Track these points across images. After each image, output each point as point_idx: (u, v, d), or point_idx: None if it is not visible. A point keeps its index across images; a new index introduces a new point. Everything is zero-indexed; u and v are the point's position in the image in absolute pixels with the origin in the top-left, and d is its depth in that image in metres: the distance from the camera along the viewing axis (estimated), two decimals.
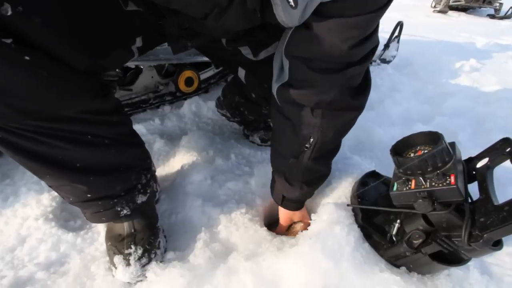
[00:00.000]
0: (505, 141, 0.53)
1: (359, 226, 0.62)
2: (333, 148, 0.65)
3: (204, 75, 1.34)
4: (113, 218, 0.61)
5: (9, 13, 0.35)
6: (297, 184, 0.64)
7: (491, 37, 3.17)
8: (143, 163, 0.65)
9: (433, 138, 0.55)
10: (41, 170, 0.50)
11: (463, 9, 5.75)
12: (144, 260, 0.60)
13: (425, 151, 0.54)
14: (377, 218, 0.63)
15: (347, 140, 1.06)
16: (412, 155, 0.56)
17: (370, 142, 1.06)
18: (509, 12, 5.30)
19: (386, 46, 2.02)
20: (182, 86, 1.25)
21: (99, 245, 0.65)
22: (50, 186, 0.55)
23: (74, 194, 0.55)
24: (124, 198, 0.59)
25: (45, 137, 0.45)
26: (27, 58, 0.37)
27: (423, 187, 0.50)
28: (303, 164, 0.61)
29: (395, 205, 0.55)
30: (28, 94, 0.41)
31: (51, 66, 0.40)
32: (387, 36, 2.06)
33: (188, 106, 1.17)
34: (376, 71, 1.75)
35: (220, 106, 1.05)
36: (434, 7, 5.98)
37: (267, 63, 0.64)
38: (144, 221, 0.64)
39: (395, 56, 2.04)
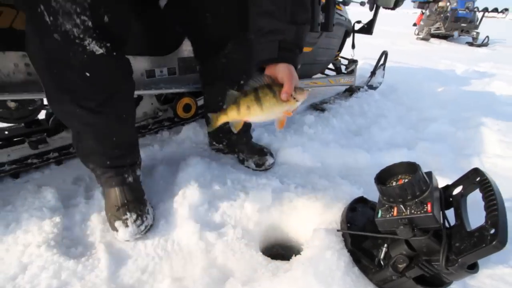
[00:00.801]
0: (475, 171, 0.59)
1: (348, 251, 0.66)
2: None
3: (201, 101, 1.40)
4: (121, 183, 0.79)
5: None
6: (288, 24, 0.63)
7: (470, 64, 3.38)
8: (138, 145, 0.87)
9: (412, 168, 0.61)
10: (92, 137, 0.71)
11: (444, 37, 6.12)
12: (138, 222, 0.75)
13: (405, 180, 0.60)
14: (365, 242, 0.67)
15: (336, 165, 1.12)
16: (394, 183, 0.62)
17: (357, 168, 1.11)
18: (485, 41, 5.67)
19: (373, 73, 2.16)
20: (180, 112, 1.30)
21: (99, 272, 0.66)
22: (83, 152, 0.77)
23: (100, 161, 0.76)
24: (130, 168, 0.81)
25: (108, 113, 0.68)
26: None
27: (404, 214, 0.55)
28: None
29: (381, 231, 0.60)
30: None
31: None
32: (374, 63, 2.20)
33: (186, 132, 1.22)
34: (364, 97, 1.84)
35: (210, 143, 1.14)
36: (417, 34, 6.36)
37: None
38: (135, 193, 0.81)
39: (381, 83, 2.17)
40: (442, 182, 0.98)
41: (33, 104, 0.95)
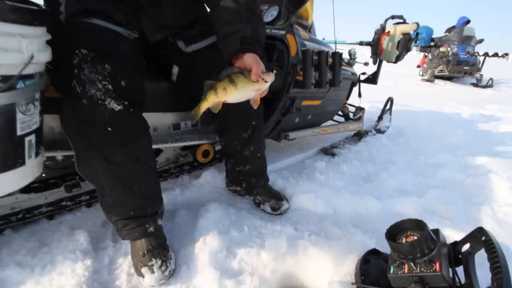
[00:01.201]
0: (480, 231, 0.63)
1: None
2: None
3: (219, 147, 1.50)
4: (142, 234, 0.83)
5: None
6: (245, 24, 0.77)
7: (476, 107, 3.46)
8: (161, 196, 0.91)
9: (419, 225, 0.66)
10: (116, 188, 0.77)
11: (448, 78, 6.31)
12: (163, 268, 0.80)
13: (415, 237, 0.64)
14: None
15: (348, 213, 1.16)
16: (403, 240, 0.66)
17: (369, 215, 1.15)
18: (489, 82, 5.81)
19: (380, 118, 2.25)
20: (199, 157, 1.40)
21: None
22: (107, 206, 0.81)
23: (123, 212, 0.80)
24: (151, 218, 0.84)
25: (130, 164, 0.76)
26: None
27: (414, 271, 0.59)
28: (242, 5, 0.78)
29: (393, 286, 0.63)
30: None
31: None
32: (380, 106, 2.31)
33: (205, 177, 1.30)
34: (372, 142, 1.92)
35: (227, 184, 1.22)
36: (422, 75, 6.58)
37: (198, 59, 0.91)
38: (158, 240, 0.86)
39: (388, 127, 2.25)
40: (454, 233, 1.01)
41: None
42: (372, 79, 1.92)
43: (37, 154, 0.66)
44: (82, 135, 0.70)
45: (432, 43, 6.32)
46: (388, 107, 2.31)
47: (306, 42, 1.28)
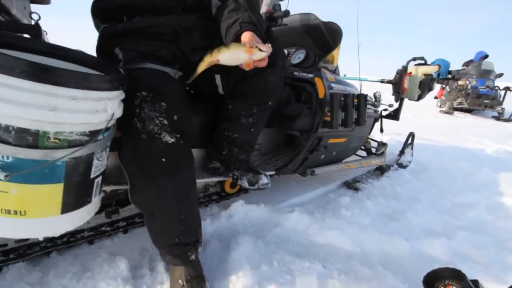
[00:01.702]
0: None
1: None
2: None
3: None
4: (184, 262, 0.88)
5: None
6: (243, 12, 0.86)
7: (499, 143, 3.37)
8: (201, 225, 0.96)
9: (458, 275, 0.66)
10: (165, 215, 0.83)
11: (468, 110, 6.21)
12: None
13: (453, 286, 0.64)
14: None
15: (376, 252, 1.15)
16: None
17: (397, 256, 1.13)
18: None
19: (402, 152, 2.26)
20: (227, 188, 1.46)
21: None
22: (154, 232, 0.87)
23: (169, 238, 0.85)
24: (193, 247, 0.89)
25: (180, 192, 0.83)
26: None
27: None
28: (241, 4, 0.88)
29: None
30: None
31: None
32: (400, 138, 2.32)
33: (234, 208, 1.34)
34: (395, 177, 1.91)
35: (209, 157, 1.19)
36: (440, 106, 6.51)
37: None
38: (197, 270, 0.90)
39: (410, 161, 2.24)
40: (489, 281, 0.98)
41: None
42: (394, 115, 1.96)
43: (99, 192, 0.73)
44: (139, 166, 0.78)
45: (450, 76, 6.32)
46: (409, 141, 2.32)
47: (333, 85, 1.36)
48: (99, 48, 0.97)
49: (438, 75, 1.80)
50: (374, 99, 1.68)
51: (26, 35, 0.72)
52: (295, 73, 1.38)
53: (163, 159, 0.77)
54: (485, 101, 5.66)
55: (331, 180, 1.77)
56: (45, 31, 0.73)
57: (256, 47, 0.75)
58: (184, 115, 0.83)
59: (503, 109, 5.74)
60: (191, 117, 0.90)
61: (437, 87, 7.24)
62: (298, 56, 1.56)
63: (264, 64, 0.80)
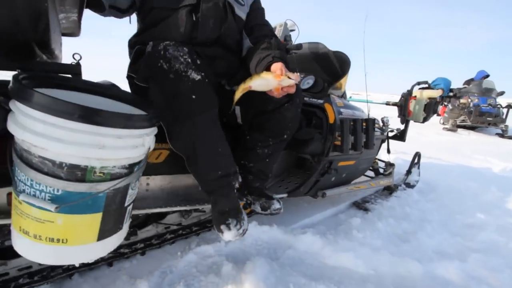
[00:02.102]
0: None
1: None
2: None
3: None
4: (231, 189, 0.96)
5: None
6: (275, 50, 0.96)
7: (505, 161, 3.36)
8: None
9: None
10: (206, 151, 0.89)
11: (471, 128, 6.21)
12: (237, 226, 0.93)
13: None
14: None
15: (390, 275, 1.15)
16: None
17: (412, 279, 1.13)
18: None
19: (409, 172, 2.27)
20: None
21: None
22: (198, 174, 0.94)
23: (213, 173, 0.91)
24: (234, 176, 0.97)
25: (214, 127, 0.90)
26: None
27: None
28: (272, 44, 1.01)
29: None
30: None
31: None
32: (405, 157, 2.33)
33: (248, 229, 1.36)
34: (404, 197, 1.92)
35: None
36: (443, 124, 6.53)
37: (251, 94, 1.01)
38: (234, 202, 0.97)
39: (418, 181, 2.25)
40: None
41: None
42: (400, 136, 2.00)
43: (129, 218, 0.77)
44: (171, 108, 0.82)
45: (452, 94, 6.37)
46: (416, 161, 2.34)
47: (342, 110, 1.41)
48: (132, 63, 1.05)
49: (442, 97, 1.85)
50: (382, 124, 1.72)
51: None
52: (305, 98, 1.44)
53: (193, 96, 0.81)
54: (488, 118, 5.69)
55: (340, 201, 1.78)
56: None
57: (286, 75, 0.81)
58: (204, 61, 0.89)
59: (506, 126, 5.74)
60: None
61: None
62: (307, 82, 1.63)
63: (292, 90, 0.85)
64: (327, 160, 1.33)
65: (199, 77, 0.81)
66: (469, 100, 5.95)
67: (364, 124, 1.46)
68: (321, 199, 1.73)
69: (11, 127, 0.55)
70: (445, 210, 1.80)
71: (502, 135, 5.71)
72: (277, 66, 0.85)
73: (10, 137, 0.59)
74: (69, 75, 0.77)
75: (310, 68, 1.67)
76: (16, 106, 0.53)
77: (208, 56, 1.01)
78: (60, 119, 0.51)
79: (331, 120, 1.33)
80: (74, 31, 1.04)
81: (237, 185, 0.97)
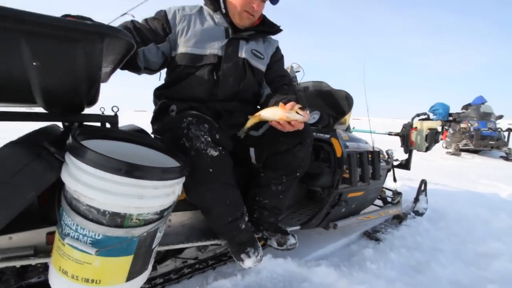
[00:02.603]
0: None
1: None
2: None
3: None
4: (238, 231, 1.05)
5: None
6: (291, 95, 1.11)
7: None
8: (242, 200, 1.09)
9: None
10: (217, 205, 0.99)
11: (475, 151, 6.17)
12: (256, 253, 1.05)
13: None
14: None
15: None
16: None
17: None
18: None
19: (416, 199, 2.26)
20: None
21: None
22: (212, 220, 1.04)
23: (224, 220, 1.01)
24: (241, 218, 1.05)
25: (225, 188, 0.98)
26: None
27: None
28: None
29: None
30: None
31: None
32: (411, 183, 2.32)
33: (262, 263, 1.35)
34: (414, 226, 1.90)
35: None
36: (446, 147, 6.51)
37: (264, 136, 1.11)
38: (248, 234, 1.09)
39: (426, 209, 2.23)
40: None
41: None
42: (405, 165, 2.03)
43: (154, 258, 0.81)
44: (191, 177, 0.89)
45: (451, 118, 6.46)
46: (422, 188, 2.33)
47: (348, 143, 1.47)
48: (157, 112, 1.15)
49: (442, 127, 1.91)
50: (387, 156, 1.77)
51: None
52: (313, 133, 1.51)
53: (211, 170, 0.90)
54: (490, 142, 5.67)
55: (351, 231, 1.78)
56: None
57: (295, 110, 0.89)
58: (223, 135, 0.97)
59: (510, 149, 5.70)
60: (228, 138, 1.03)
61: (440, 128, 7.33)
62: (313, 116, 1.72)
63: (301, 126, 0.94)
64: (337, 193, 1.37)
65: (217, 153, 0.90)
66: (469, 124, 5.98)
67: (369, 156, 1.51)
68: (333, 230, 1.74)
69: (65, 177, 0.62)
70: (457, 239, 1.77)
71: (506, 158, 5.65)
72: (290, 103, 0.92)
73: (60, 184, 0.66)
74: (108, 125, 0.86)
75: (316, 104, 1.76)
76: (71, 160, 0.61)
77: (228, 110, 1.11)
78: (108, 173, 0.57)
79: (339, 154, 1.38)
80: (103, 79, 1.16)
81: (243, 226, 1.06)
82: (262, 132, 1.16)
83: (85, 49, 0.57)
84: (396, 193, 1.95)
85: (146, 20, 1.07)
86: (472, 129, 5.85)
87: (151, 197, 0.63)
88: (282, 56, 1.29)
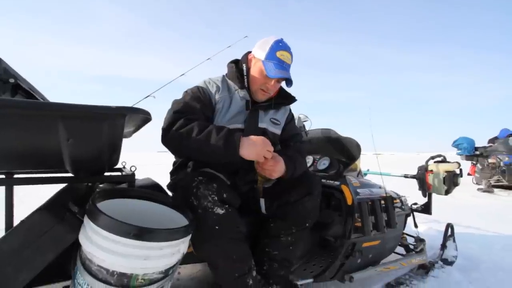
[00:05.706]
0: None
1: None
2: None
3: None
4: (246, 285, 0.99)
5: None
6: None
7: None
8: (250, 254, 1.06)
9: None
10: (223, 261, 0.97)
11: (509, 187, 5.59)
12: None
13: None
14: None
15: None
16: None
17: None
18: None
19: (443, 246, 2.04)
20: None
21: None
22: (218, 276, 1.01)
23: (231, 276, 0.97)
24: (248, 273, 1.00)
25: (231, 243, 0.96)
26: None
27: None
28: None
29: None
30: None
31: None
32: (440, 228, 2.11)
33: None
34: (443, 278, 1.69)
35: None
36: (477, 184, 5.96)
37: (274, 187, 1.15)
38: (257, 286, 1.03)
39: (456, 256, 2.00)
40: None
41: None
42: (426, 209, 1.89)
43: None
44: (198, 233, 0.89)
45: (477, 152, 6.04)
46: (449, 233, 2.12)
47: (359, 190, 1.43)
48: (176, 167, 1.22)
49: (461, 170, 1.80)
50: (400, 203, 1.67)
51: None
52: (322, 180, 1.49)
53: (217, 227, 0.91)
54: None
55: (371, 283, 1.62)
56: None
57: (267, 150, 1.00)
58: (231, 194, 0.98)
59: None
60: (236, 196, 1.04)
61: (467, 163, 6.82)
62: (323, 163, 1.71)
63: (267, 173, 1.05)
64: (350, 242, 1.29)
65: (223, 211, 0.92)
66: (498, 159, 5.53)
67: (383, 202, 1.44)
68: (349, 283, 1.60)
69: (82, 239, 0.67)
70: None
71: None
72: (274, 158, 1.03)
73: (78, 244, 0.71)
74: (126, 184, 0.93)
75: (325, 150, 1.77)
76: (88, 222, 0.66)
77: (245, 169, 1.16)
78: (119, 236, 0.62)
79: (349, 202, 1.34)
80: (127, 136, 1.28)
81: (251, 282, 1.01)
82: (272, 183, 1.18)
83: (109, 125, 0.66)
84: (419, 240, 1.79)
85: (198, 98, 1.12)
86: (502, 164, 5.39)
87: (157, 257, 0.65)
88: (293, 116, 1.37)
